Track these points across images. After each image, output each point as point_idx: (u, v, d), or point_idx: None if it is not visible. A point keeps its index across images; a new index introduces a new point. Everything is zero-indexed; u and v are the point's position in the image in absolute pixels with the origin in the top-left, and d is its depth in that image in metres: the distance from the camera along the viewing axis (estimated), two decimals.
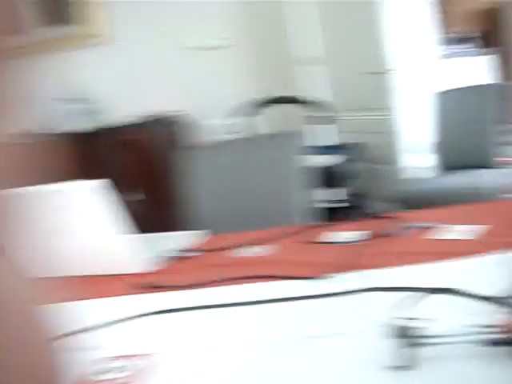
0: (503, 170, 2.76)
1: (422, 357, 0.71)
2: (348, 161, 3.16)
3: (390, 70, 3.25)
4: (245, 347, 0.87)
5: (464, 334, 0.71)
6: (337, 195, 3.08)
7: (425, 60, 3.51)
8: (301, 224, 1.52)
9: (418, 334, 0.71)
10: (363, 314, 0.91)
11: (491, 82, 3.85)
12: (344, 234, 1.31)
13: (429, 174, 3.09)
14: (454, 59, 4.32)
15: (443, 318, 0.79)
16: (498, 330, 0.72)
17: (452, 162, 2.99)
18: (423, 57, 3.51)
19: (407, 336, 0.71)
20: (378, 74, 3.24)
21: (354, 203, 3.05)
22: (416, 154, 3.27)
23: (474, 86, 3.23)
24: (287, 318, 0.95)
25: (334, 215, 2.45)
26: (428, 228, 1.26)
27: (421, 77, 3.41)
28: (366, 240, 1.24)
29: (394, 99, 3.28)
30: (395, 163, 3.33)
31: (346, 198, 3.09)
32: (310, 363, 0.79)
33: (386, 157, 3.32)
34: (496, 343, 0.69)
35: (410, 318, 0.80)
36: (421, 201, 2.45)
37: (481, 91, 3.09)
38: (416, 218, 1.33)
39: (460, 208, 1.47)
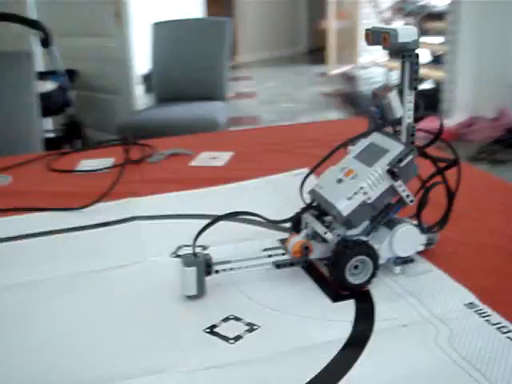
0: (227, 104, 2.89)
1: (212, 283, 0.67)
2: (62, 88, 2.93)
3: None
4: (10, 290, 0.72)
5: (252, 258, 0.70)
6: (52, 124, 2.85)
7: None
8: (38, 152, 1.34)
9: (207, 260, 0.66)
10: (140, 243, 0.83)
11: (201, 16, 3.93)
12: (89, 162, 1.19)
13: (152, 105, 3.06)
14: None
15: (228, 243, 0.76)
16: (282, 252, 0.72)
17: (173, 93, 3.01)
18: None
19: (195, 263, 0.65)
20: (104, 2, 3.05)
21: (70, 132, 2.86)
22: (140, 84, 3.21)
23: (193, 20, 3.28)
24: (58, 254, 0.82)
25: (54, 145, 2.25)
26: (178, 155, 1.22)
27: (144, 6, 3.32)
28: (113, 167, 1.14)
29: (122, 27, 3.14)
30: (122, 93, 3.22)
31: (61, 126, 2.89)
32: (91, 299, 0.68)
33: (113, 86, 3.18)
34: (280, 265, 0.69)
35: (197, 246, 0.75)
36: (146, 130, 2.40)
37: (199, 25, 3.14)
38: (163, 144, 1.28)
39: (201, 136, 1.47)
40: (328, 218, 0.72)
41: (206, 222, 0.87)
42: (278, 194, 0.99)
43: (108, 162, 1.18)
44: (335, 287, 0.68)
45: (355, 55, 6.13)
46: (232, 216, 0.71)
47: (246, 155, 1.23)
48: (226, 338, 0.59)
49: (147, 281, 0.72)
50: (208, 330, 0.61)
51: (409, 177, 0.68)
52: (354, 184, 0.68)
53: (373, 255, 0.67)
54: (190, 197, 0.99)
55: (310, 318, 0.63)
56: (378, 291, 0.68)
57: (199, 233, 0.67)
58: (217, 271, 0.67)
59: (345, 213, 0.67)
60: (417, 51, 0.65)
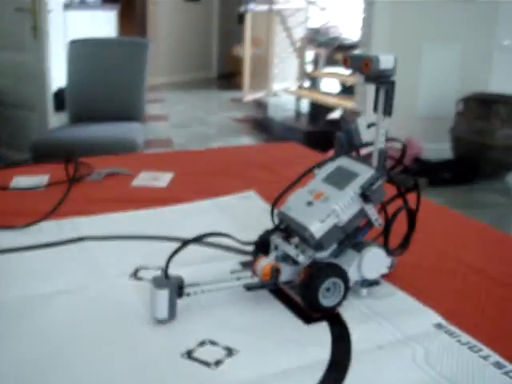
0: (144, 125, 2.84)
1: (180, 306, 0.65)
2: None
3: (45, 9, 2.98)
4: None
5: (221, 281, 0.68)
6: None
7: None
8: None
9: (179, 282, 0.64)
10: (94, 264, 0.78)
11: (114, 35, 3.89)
12: (23, 179, 1.12)
13: (66, 123, 2.96)
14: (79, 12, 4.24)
15: (189, 265, 0.74)
16: (250, 274, 0.71)
17: (88, 112, 2.93)
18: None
19: (168, 285, 0.63)
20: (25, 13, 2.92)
21: None
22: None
23: (113, 39, 3.23)
24: (3, 276, 0.75)
25: None
26: (116, 174, 1.18)
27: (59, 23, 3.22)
28: (48, 186, 1.09)
29: (39, 41, 3.02)
30: (37, 110, 3.08)
31: None
32: (51, 325, 0.63)
33: (28, 103, 3.04)
34: (250, 288, 0.68)
35: (157, 268, 0.73)
36: (60, 149, 2.31)
37: (119, 44, 3.09)
38: (97, 163, 1.23)
39: (135, 156, 1.43)
40: (295, 240, 0.72)
41: (160, 243, 0.85)
42: (227, 216, 0.98)
43: (43, 179, 1.12)
44: (306, 309, 0.68)
45: (267, 82, 6.25)
46: (204, 237, 0.69)
47: (187, 177, 1.21)
48: (206, 364, 0.57)
49: (109, 305, 0.68)
50: (186, 356, 0.58)
51: (378, 200, 0.70)
52: (326, 207, 0.68)
53: (344, 277, 0.68)
54: (139, 217, 0.96)
55: (287, 340, 0.62)
56: (348, 313, 0.68)
57: (172, 255, 0.65)
58: (188, 294, 0.65)
59: (317, 235, 0.67)
60: (392, 79, 0.66)
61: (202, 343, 0.60)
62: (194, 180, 1.19)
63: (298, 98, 6.56)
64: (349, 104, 5.21)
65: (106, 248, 0.83)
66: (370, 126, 0.74)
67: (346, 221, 0.69)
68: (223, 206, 1.03)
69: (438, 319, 0.67)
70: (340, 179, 0.71)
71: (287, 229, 0.72)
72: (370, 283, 0.72)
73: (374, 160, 0.70)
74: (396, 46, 4.43)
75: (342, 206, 0.68)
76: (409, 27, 4.38)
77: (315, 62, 6.64)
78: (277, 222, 0.73)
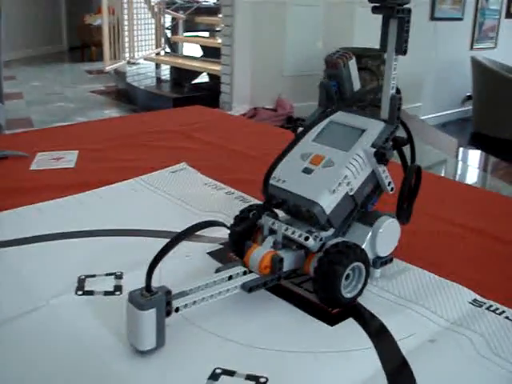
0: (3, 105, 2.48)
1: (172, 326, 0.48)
2: None
3: None
4: None
5: (211, 285, 0.51)
6: None
7: None
8: None
9: (164, 298, 0.46)
10: (21, 280, 0.57)
11: None
12: None
13: None
14: None
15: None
16: (242, 270, 0.55)
17: None
18: None
19: (154, 303, 0.45)
20: None
21: None
22: None
23: None
24: None
25: None
26: (6, 158, 0.95)
27: None
28: None
29: None
30: None
31: None
32: None
33: None
34: (252, 288, 0.52)
35: (105, 274, 0.55)
36: None
37: None
38: None
39: (22, 135, 1.19)
40: (291, 220, 0.57)
41: (99, 240, 0.66)
42: (164, 194, 0.80)
43: None
44: (322, 306, 0.53)
45: (123, 51, 5.90)
46: (196, 230, 0.51)
47: (95, 153, 1.00)
48: None
49: (63, 334, 0.49)
50: None
51: (389, 160, 0.56)
52: (333, 173, 0.54)
53: (366, 260, 0.54)
54: (58, 209, 0.75)
55: (320, 352, 0.47)
56: (370, 303, 0.55)
57: (156, 260, 0.46)
58: (177, 309, 0.48)
59: (328, 210, 0.53)
60: (408, 6, 0.53)
61: (215, 376, 0.44)
62: (105, 156, 0.99)
63: (158, 65, 6.29)
64: (215, 67, 5.05)
65: (26, 255, 0.63)
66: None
67: (357, 188, 0.55)
68: (158, 183, 0.84)
69: (472, 294, 0.56)
70: (339, 137, 0.57)
71: (278, 206, 0.57)
72: (384, 261, 0.59)
73: (384, 110, 0.56)
74: (260, 5, 4.34)
75: (354, 170, 0.54)
76: None
77: (174, 26, 6.37)
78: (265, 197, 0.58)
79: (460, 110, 5.89)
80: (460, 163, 4.26)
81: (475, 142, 5.08)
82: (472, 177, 3.92)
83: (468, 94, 5.75)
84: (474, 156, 4.58)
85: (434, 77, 5.34)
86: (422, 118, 5.23)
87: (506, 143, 4.86)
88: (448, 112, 5.76)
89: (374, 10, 0.53)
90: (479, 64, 5.24)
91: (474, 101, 5.47)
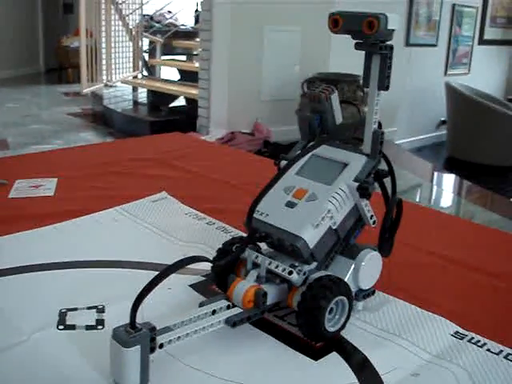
0: None
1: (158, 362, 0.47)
2: None
3: None
4: None
5: (195, 319, 0.51)
6: None
7: None
8: None
9: (149, 334, 0.46)
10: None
11: None
12: None
13: None
14: None
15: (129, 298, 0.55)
16: (225, 304, 0.54)
17: None
18: None
19: (138, 340, 0.45)
20: None
21: None
22: None
23: None
24: None
25: None
26: None
27: None
28: None
29: None
30: None
31: None
32: None
33: None
34: (236, 322, 0.52)
35: (86, 307, 0.55)
36: None
37: None
38: None
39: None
40: (274, 253, 0.57)
41: (78, 272, 0.66)
42: (145, 224, 0.80)
43: None
44: (306, 340, 0.54)
45: (100, 73, 5.88)
46: (182, 266, 0.50)
47: (75, 180, 1.00)
48: None
49: (45, 370, 0.48)
50: None
51: (371, 194, 0.57)
52: (316, 207, 0.54)
53: (349, 294, 0.54)
54: (35, 239, 0.74)
55: None
56: (354, 336, 0.55)
57: (141, 296, 0.46)
58: (161, 345, 0.47)
59: (311, 244, 0.53)
60: (390, 43, 0.54)
61: None
62: (84, 184, 0.98)
63: (136, 88, 6.29)
64: (192, 91, 5.06)
65: (6, 288, 0.62)
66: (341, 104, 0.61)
67: (340, 222, 0.55)
68: (139, 213, 0.84)
69: (453, 326, 0.57)
70: (322, 171, 0.58)
71: (262, 240, 0.57)
72: (367, 294, 0.59)
73: (367, 144, 0.57)
74: (238, 30, 4.38)
75: (337, 204, 0.54)
76: (249, 12, 4.33)
77: (152, 50, 6.39)
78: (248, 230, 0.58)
79: (435, 134, 5.98)
80: (435, 187, 4.31)
81: (449, 166, 5.15)
82: (447, 201, 3.96)
83: (442, 118, 5.84)
84: (449, 180, 4.64)
85: (408, 102, 5.42)
86: (397, 142, 5.29)
87: (480, 167, 4.94)
88: (423, 137, 5.83)
89: (357, 46, 0.54)
90: (453, 89, 5.34)
91: (449, 125, 5.56)
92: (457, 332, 0.56)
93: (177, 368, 0.49)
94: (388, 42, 0.53)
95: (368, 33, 0.51)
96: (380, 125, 0.57)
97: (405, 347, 0.53)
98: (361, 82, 4.47)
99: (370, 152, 0.56)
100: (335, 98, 0.60)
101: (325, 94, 0.59)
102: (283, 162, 0.60)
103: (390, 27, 0.51)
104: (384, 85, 0.54)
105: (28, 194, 0.92)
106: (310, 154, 0.60)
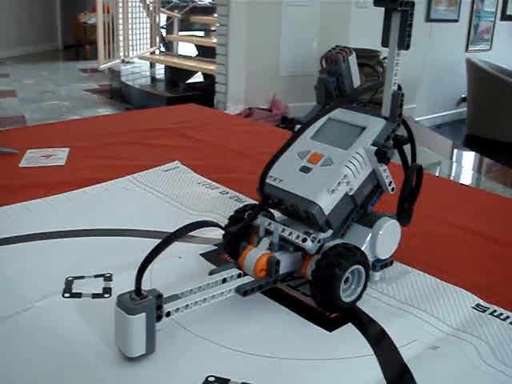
0: None
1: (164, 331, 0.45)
2: None
3: None
4: None
5: (205, 287, 0.49)
6: None
7: None
8: None
9: (155, 302, 0.44)
10: (3, 282, 0.55)
11: None
12: None
13: None
14: None
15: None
16: (237, 273, 0.52)
17: None
18: None
19: (144, 308, 0.43)
20: None
21: None
22: None
23: None
24: None
25: None
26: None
27: None
28: None
29: None
30: None
31: None
32: None
33: None
34: (247, 291, 0.50)
35: (93, 275, 0.53)
36: None
37: None
38: None
39: (12, 132, 1.16)
40: (288, 221, 0.55)
41: (89, 240, 0.64)
42: (156, 193, 0.78)
43: None
44: (320, 311, 0.51)
45: (117, 50, 5.85)
46: (189, 230, 0.48)
47: (87, 151, 0.98)
48: None
49: (50, 337, 0.47)
50: None
51: (390, 159, 0.54)
52: (332, 172, 0.52)
53: (366, 263, 0.52)
54: (47, 207, 0.73)
55: (318, 360, 0.45)
56: (370, 308, 0.53)
57: (146, 262, 0.44)
58: (168, 313, 0.45)
59: (327, 211, 0.51)
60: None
61: (208, 383, 0.42)
62: (96, 154, 0.96)
63: (153, 64, 6.25)
64: (209, 66, 5.02)
65: (13, 255, 0.60)
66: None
67: (357, 188, 0.53)
68: (150, 182, 0.82)
69: (475, 299, 0.54)
70: (338, 135, 0.55)
71: (275, 206, 0.55)
72: (384, 264, 0.57)
73: (386, 107, 0.54)
74: (256, 7, 4.31)
75: (354, 169, 0.52)
76: None
77: (169, 26, 6.33)
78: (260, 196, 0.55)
79: (455, 111, 5.88)
80: (454, 165, 4.25)
81: (470, 143, 5.07)
82: (466, 178, 3.91)
83: (463, 95, 5.73)
84: (469, 157, 4.57)
85: (428, 78, 5.33)
86: (417, 119, 5.21)
87: (500, 145, 4.85)
88: (443, 114, 5.74)
89: (376, 2, 0.51)
90: (474, 66, 5.23)
91: (469, 102, 5.46)
92: (478, 304, 0.53)
93: (185, 338, 0.47)
94: None
95: None
96: (400, 87, 0.54)
97: (424, 319, 0.51)
98: (381, 57, 4.39)
99: (389, 114, 0.54)
100: (353, 59, 0.57)
101: (342, 55, 0.56)
102: (297, 126, 0.57)
103: None
104: (404, 44, 0.51)
105: (39, 163, 0.90)
106: (325, 118, 0.57)
